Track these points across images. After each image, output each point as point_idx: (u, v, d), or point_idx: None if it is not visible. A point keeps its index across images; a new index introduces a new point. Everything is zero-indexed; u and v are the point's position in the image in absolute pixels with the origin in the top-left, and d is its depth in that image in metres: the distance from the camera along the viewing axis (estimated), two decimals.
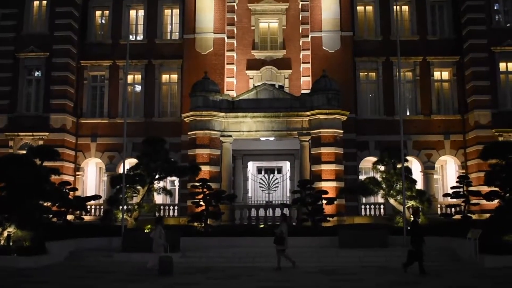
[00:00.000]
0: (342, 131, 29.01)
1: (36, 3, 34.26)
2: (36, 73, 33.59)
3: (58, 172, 25.22)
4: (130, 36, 33.93)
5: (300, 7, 33.99)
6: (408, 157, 30.47)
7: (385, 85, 33.36)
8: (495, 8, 33.22)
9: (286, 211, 26.99)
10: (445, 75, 33.97)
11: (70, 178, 31.94)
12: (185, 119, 29.98)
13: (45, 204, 23.62)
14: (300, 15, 33.86)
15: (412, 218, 18.32)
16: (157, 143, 26.51)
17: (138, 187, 25.94)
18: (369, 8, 34.58)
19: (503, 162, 22.26)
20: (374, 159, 29.48)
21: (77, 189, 30.76)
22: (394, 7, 33.32)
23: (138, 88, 34.55)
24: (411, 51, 33.09)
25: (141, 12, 35.09)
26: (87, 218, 29.88)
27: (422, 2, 34.22)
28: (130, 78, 33.56)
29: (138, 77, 34.36)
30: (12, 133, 32.39)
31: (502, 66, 32.28)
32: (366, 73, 34.03)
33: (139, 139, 29.12)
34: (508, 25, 33.01)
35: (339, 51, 32.82)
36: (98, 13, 35.39)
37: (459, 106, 33.13)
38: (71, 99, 33.42)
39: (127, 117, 25.97)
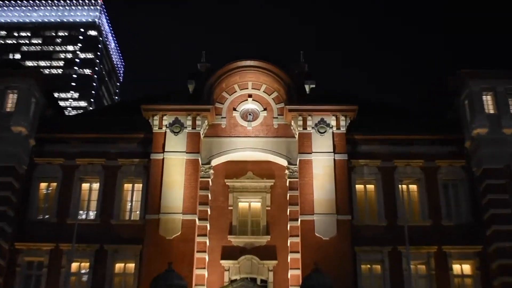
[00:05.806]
0: None
1: None
2: None
3: None
4: (81, 214, 29.45)
5: (287, 184, 29.76)
6: None
7: (393, 282, 27.99)
8: None
9: None
10: (467, 268, 28.79)
11: None
12: None
13: None
14: (288, 194, 29.58)
15: None
16: None
17: None
18: (370, 187, 30.29)
19: None
20: None
21: None
22: (400, 185, 29.55)
23: (84, 278, 28.59)
24: (423, 239, 28.32)
25: (96, 186, 30.42)
26: None
27: (433, 180, 30.08)
28: (75, 266, 28.12)
29: (86, 265, 28.57)
30: None
31: None
32: (369, 266, 28.74)
33: None
34: None
35: (335, 238, 27.96)
36: (43, 185, 30.53)
37: None
38: None
39: None
